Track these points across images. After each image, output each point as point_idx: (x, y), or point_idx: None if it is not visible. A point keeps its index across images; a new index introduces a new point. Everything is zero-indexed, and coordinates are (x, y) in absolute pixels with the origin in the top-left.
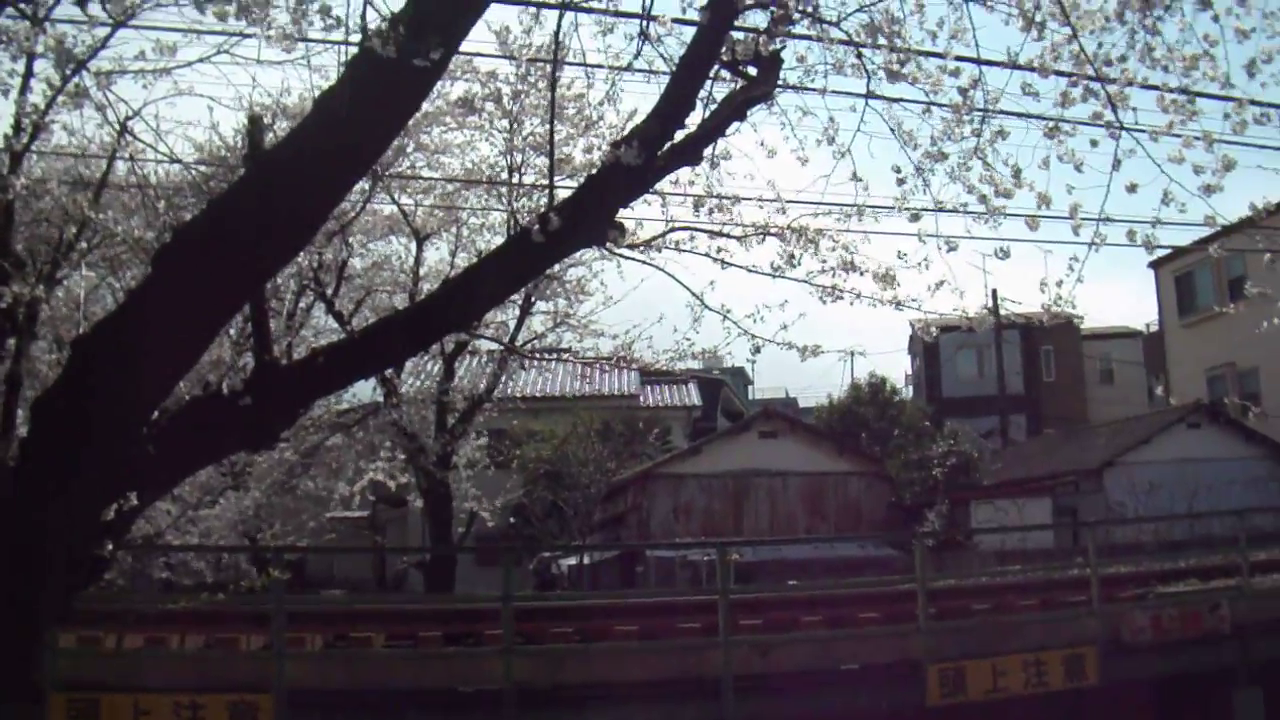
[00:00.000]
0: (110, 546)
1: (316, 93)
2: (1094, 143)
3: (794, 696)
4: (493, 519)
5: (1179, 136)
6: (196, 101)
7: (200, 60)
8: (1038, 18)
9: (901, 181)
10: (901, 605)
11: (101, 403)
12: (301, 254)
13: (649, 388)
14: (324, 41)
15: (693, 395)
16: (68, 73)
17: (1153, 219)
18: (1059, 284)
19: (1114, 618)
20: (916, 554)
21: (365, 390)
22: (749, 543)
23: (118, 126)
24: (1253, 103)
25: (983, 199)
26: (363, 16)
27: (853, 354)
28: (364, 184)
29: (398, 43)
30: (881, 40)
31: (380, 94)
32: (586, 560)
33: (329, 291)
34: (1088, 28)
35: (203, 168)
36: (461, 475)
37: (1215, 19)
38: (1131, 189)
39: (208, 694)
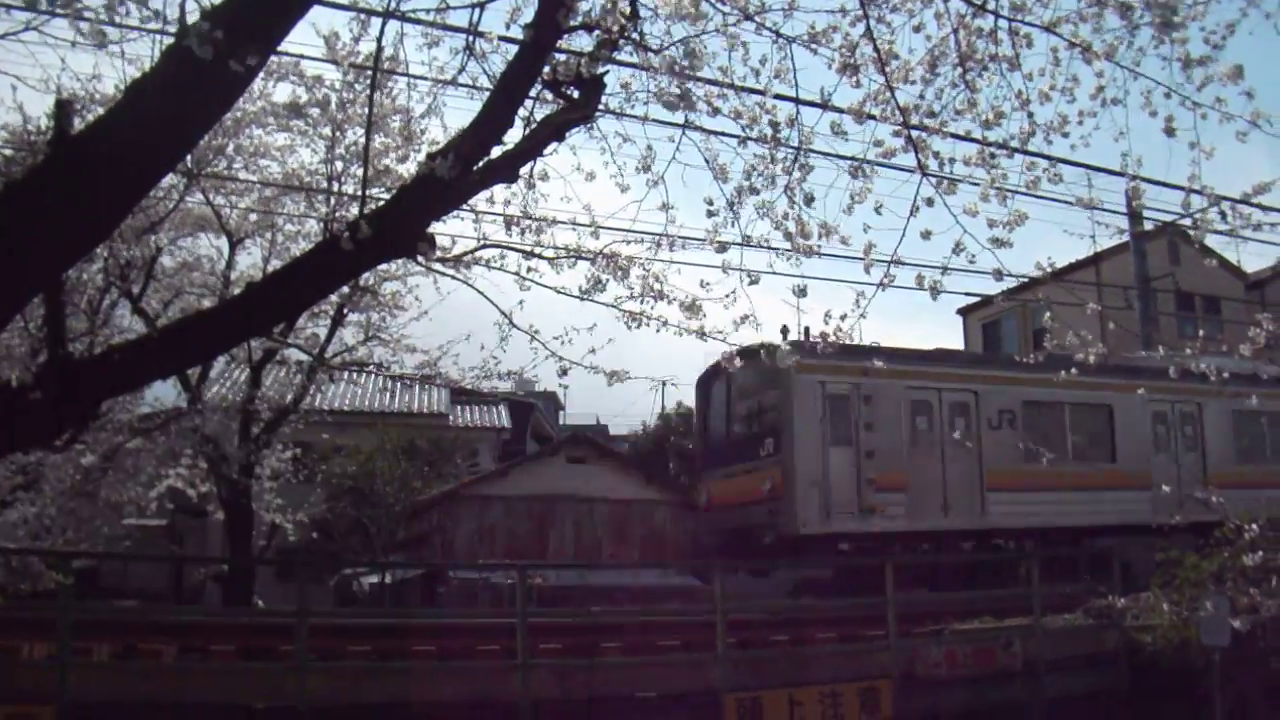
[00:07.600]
0: None
1: (129, 81)
2: (930, 201)
3: None
4: (295, 533)
5: (976, 185)
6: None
7: (5, 35)
8: (856, 60)
9: (712, 214)
10: (702, 634)
11: None
12: (107, 249)
13: (459, 407)
14: (139, 29)
15: (502, 417)
16: None
17: (941, 266)
18: (842, 317)
19: (909, 652)
20: (717, 584)
21: (169, 394)
22: (554, 565)
23: None
24: (1045, 157)
25: (788, 236)
26: (181, 11)
27: (664, 383)
28: (177, 179)
29: (216, 44)
30: (698, 68)
31: (194, 88)
32: (388, 579)
33: (135, 289)
34: (903, 77)
35: (7, 151)
36: (264, 486)
37: (1029, 77)
38: (925, 235)
39: None
